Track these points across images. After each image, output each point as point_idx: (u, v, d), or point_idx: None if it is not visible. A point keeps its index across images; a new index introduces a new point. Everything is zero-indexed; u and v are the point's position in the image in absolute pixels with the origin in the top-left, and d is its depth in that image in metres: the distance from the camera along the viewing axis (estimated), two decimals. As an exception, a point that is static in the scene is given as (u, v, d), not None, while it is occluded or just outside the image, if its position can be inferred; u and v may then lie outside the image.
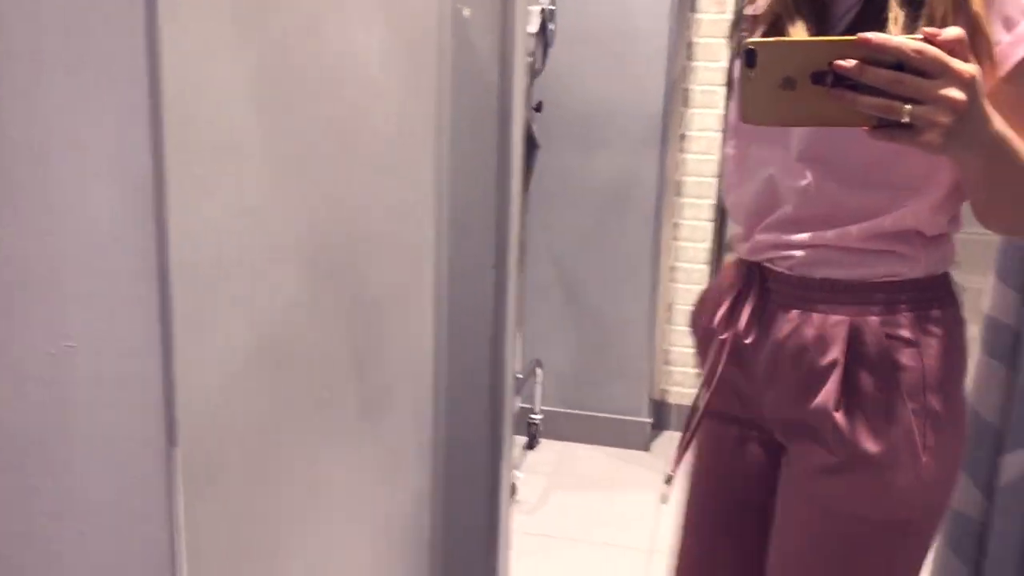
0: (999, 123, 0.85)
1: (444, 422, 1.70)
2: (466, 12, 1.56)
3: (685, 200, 3.05)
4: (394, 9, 1.27)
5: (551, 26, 2.65)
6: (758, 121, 0.88)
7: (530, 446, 3.09)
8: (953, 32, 0.80)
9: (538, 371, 3.08)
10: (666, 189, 2.96)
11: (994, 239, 1.39)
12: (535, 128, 2.72)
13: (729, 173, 1.11)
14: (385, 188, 1.29)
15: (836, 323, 1.00)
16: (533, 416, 3.07)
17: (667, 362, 3.20)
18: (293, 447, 1.06)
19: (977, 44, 0.87)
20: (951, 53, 0.79)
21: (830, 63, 0.81)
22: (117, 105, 0.71)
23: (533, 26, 2.55)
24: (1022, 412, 1.41)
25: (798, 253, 1.02)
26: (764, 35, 1.01)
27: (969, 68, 0.79)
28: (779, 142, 1.02)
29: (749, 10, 1.07)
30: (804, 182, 1.00)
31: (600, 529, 2.58)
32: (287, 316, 1.01)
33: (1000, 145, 0.86)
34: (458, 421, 1.72)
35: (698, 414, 1.14)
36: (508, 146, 1.63)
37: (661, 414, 3.19)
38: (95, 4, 0.69)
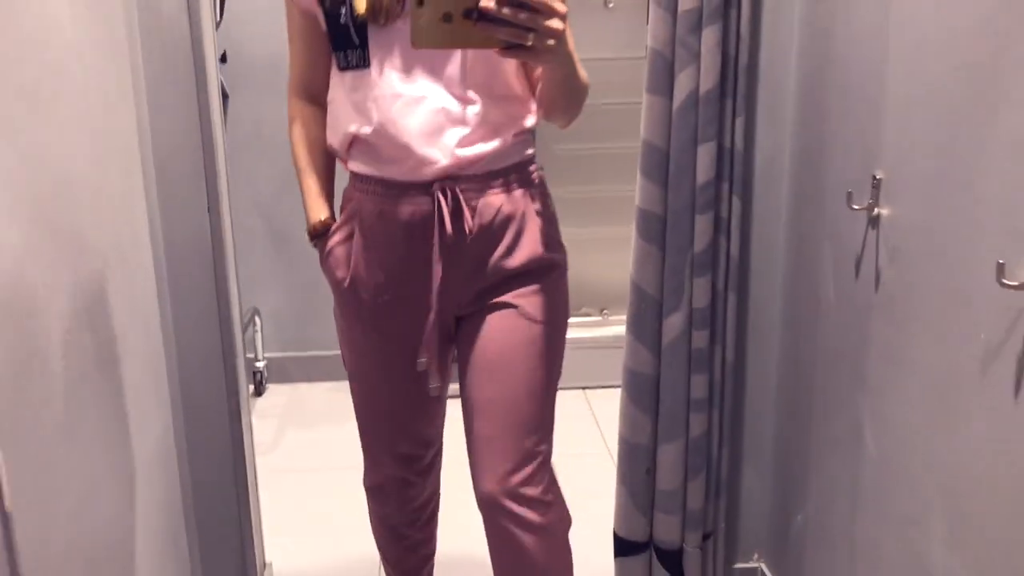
0: (571, 44, 1.27)
1: (177, 369, 1.76)
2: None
3: (378, 139, 3.20)
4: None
5: (227, -24, 2.67)
6: (425, 46, 1.15)
7: (258, 393, 3.17)
8: None
9: (256, 319, 3.14)
10: (359, 130, 3.09)
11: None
12: (222, 79, 2.74)
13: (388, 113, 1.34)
14: (90, 144, 1.33)
15: (521, 198, 1.39)
16: (257, 364, 3.14)
17: (379, 294, 3.38)
18: (44, 391, 1.11)
19: None
20: None
21: (477, 3, 1.11)
22: None
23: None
24: (673, 284, 1.74)
25: (479, 158, 1.35)
26: None
27: (563, 7, 1.15)
28: (441, 77, 1.32)
29: None
30: (474, 109, 1.33)
31: (336, 456, 2.74)
32: (17, 269, 1.05)
33: (571, 57, 1.29)
34: (192, 367, 1.78)
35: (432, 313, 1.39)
36: (207, 95, 1.70)
37: (380, 343, 3.37)
38: None
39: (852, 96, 1.52)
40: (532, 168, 1.43)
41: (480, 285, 1.41)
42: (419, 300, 1.40)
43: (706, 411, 1.80)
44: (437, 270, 1.36)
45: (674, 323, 1.75)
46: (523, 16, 1.13)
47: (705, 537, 1.90)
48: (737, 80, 1.66)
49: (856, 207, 1.47)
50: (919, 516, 1.35)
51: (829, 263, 1.62)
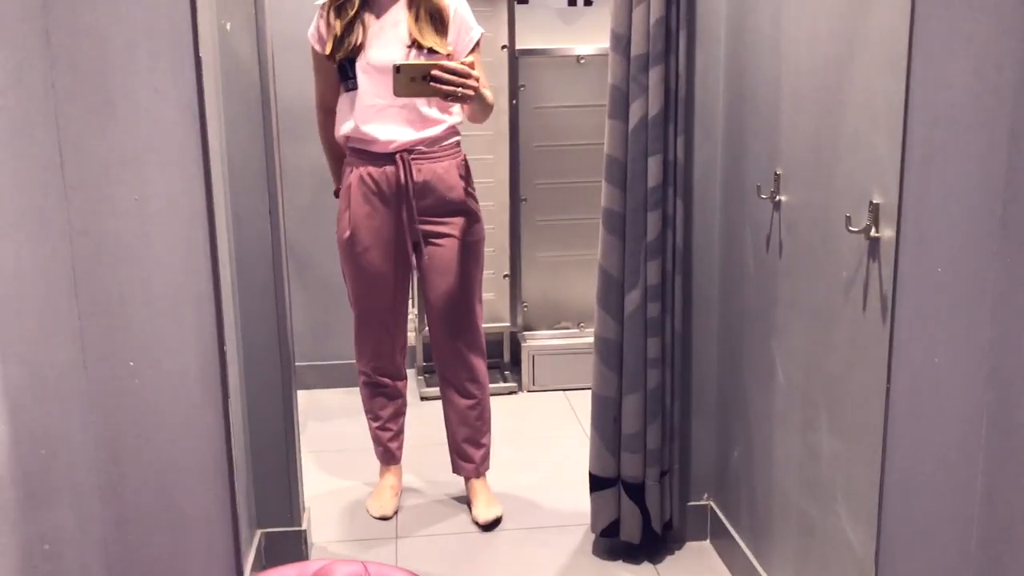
0: (482, 81, 2.29)
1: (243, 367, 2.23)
2: (228, 25, 2.10)
3: (383, 177, 3.71)
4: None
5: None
6: (401, 95, 2.19)
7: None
8: (468, 60, 2.24)
9: (279, 332, 3.60)
10: (367, 169, 3.61)
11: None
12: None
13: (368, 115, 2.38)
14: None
15: (449, 165, 2.42)
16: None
17: (384, 313, 3.85)
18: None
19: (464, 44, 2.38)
20: (470, 67, 2.19)
21: (430, 72, 2.12)
22: None
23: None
24: (631, 266, 2.23)
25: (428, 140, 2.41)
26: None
27: (475, 73, 2.20)
28: (409, 104, 2.35)
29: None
30: (421, 111, 2.38)
31: (349, 440, 3.19)
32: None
33: (482, 97, 2.28)
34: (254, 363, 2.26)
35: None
36: (270, 130, 2.19)
37: (385, 356, 3.83)
38: None
39: (760, 116, 2.04)
40: (457, 149, 2.46)
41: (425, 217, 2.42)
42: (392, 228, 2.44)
43: (660, 368, 2.28)
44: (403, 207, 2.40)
45: (633, 298, 2.24)
46: (455, 80, 2.15)
47: (663, 474, 2.37)
48: (677, 108, 2.18)
49: (763, 196, 1.99)
50: (812, 420, 1.84)
51: (749, 243, 2.13)
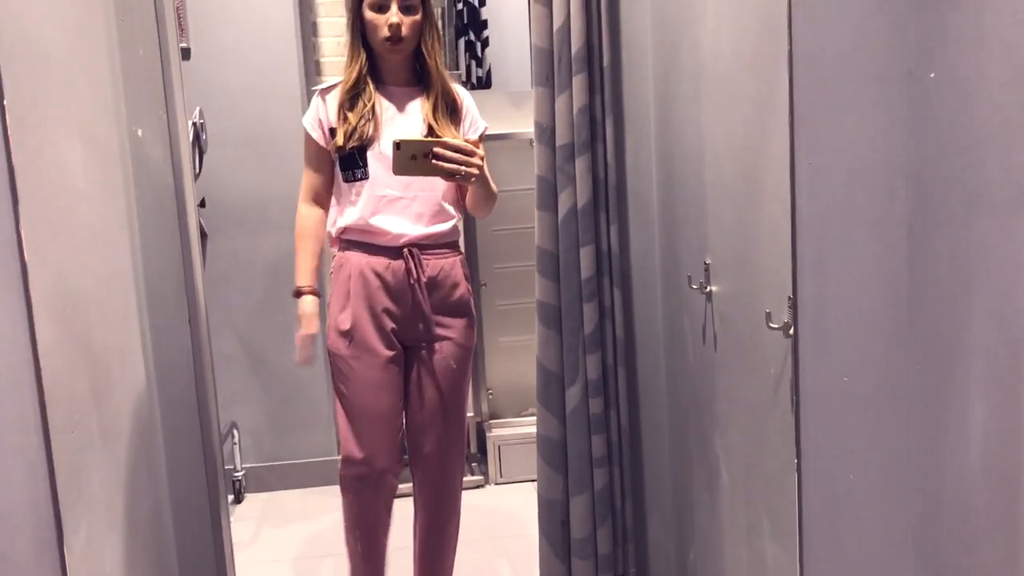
0: (486, 170, 2.02)
1: (166, 464, 2.12)
2: (139, 132, 2.04)
3: (341, 268, 3.64)
4: (88, 132, 1.74)
5: (203, 135, 3.15)
6: (401, 174, 2.01)
7: (237, 500, 3.48)
8: (473, 138, 2.11)
9: (235, 432, 3.48)
10: (324, 261, 3.53)
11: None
12: (202, 221, 3.18)
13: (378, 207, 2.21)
14: (97, 267, 1.74)
15: (454, 261, 2.25)
16: (236, 474, 3.46)
17: (347, 406, 3.74)
18: (62, 456, 1.48)
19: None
20: (475, 145, 2.00)
21: (432, 149, 1.94)
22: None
23: (187, 138, 3.03)
24: (570, 360, 2.13)
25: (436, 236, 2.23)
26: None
27: (479, 152, 2.02)
28: (416, 186, 2.17)
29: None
30: (432, 205, 2.20)
31: (308, 545, 3.04)
32: (47, 360, 1.43)
33: (486, 179, 2.08)
34: (179, 468, 2.14)
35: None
36: (187, 233, 2.12)
37: (349, 451, 3.70)
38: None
39: (688, 203, 1.96)
40: (459, 247, 2.30)
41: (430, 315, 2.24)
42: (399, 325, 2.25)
43: (607, 467, 2.16)
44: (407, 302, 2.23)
45: (574, 393, 2.14)
46: (458, 157, 1.98)
47: (618, 580, 2.23)
48: (607, 196, 2.10)
49: (694, 286, 1.89)
50: (756, 524, 1.71)
51: (688, 334, 2.02)
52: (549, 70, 2.04)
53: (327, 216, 2.31)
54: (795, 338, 1.11)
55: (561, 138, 2.05)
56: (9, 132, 1.16)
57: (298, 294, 2.28)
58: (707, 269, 1.85)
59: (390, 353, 2.23)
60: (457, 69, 3.93)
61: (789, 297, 1.44)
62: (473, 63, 4.11)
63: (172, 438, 2.14)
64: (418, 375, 2.30)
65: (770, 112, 1.49)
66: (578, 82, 2.02)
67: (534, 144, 2.09)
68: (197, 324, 2.15)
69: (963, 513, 1.19)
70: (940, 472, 1.06)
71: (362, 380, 2.25)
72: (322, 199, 2.30)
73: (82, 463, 1.56)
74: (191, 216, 2.15)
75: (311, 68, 3.51)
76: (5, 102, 1.15)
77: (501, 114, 3.49)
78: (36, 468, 1.22)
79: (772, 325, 1.48)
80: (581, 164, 2.05)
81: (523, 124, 3.51)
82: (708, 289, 1.85)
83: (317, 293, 2.28)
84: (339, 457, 3.58)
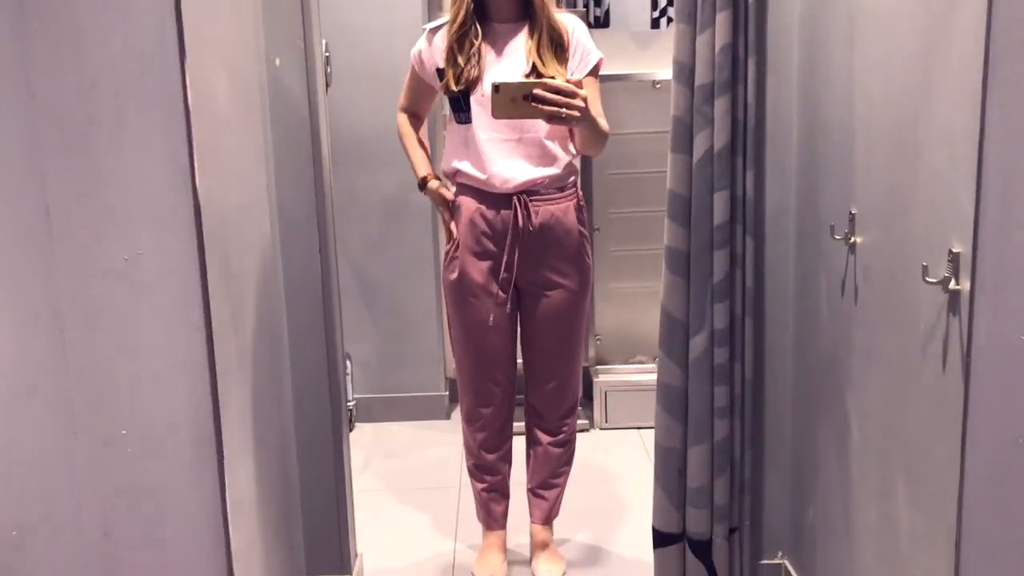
0: (596, 108, 2.12)
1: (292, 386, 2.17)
2: (277, 61, 2.06)
3: (455, 206, 3.64)
4: (230, 61, 1.75)
5: (328, 69, 3.17)
6: (501, 117, 1.98)
7: (348, 429, 3.56)
8: (575, 79, 2.05)
9: (347, 363, 3.56)
10: (438, 198, 3.54)
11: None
12: (324, 154, 3.22)
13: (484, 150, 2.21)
14: (238, 193, 1.76)
15: (567, 207, 2.26)
16: (347, 403, 3.54)
17: (456, 344, 3.77)
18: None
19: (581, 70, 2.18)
20: (578, 86, 1.93)
21: (532, 91, 1.88)
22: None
23: (322, 69, 3.05)
24: (697, 309, 2.08)
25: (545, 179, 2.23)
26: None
27: (582, 92, 1.95)
28: (520, 128, 2.17)
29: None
30: (538, 147, 2.20)
31: (417, 477, 3.10)
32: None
33: (592, 119, 2.06)
34: (301, 393, 2.19)
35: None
36: (320, 161, 2.14)
37: (454, 388, 3.74)
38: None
39: (833, 151, 1.88)
40: (574, 189, 2.30)
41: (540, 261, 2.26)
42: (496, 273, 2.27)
43: (728, 418, 2.12)
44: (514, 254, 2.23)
45: (698, 342, 2.09)
46: (559, 99, 1.93)
47: (732, 531, 2.20)
48: (746, 140, 2.03)
49: (837, 237, 1.82)
50: (890, 487, 1.66)
51: (824, 287, 1.96)
52: (692, 6, 1.97)
53: (425, 127, 2.45)
54: (972, 293, 1.05)
55: (701, 77, 1.98)
56: (186, 57, 1.17)
57: (423, 184, 2.36)
58: (852, 219, 1.77)
59: (500, 296, 2.27)
60: (575, 6, 3.85)
61: (950, 251, 1.37)
62: (592, 1, 4.02)
63: (299, 364, 2.19)
64: (531, 319, 2.35)
65: (940, 54, 1.40)
66: (722, 19, 1.94)
67: (672, 83, 2.03)
68: (327, 254, 2.18)
69: None
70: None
71: (473, 323, 2.32)
72: (417, 119, 2.43)
73: (221, 387, 1.60)
74: (324, 146, 2.17)
75: (433, 5, 3.49)
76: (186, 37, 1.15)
77: (620, 54, 3.41)
78: (198, 388, 1.25)
79: (929, 279, 1.41)
80: (720, 105, 1.98)
81: (643, 65, 3.42)
82: (852, 240, 1.77)
83: (438, 177, 2.37)
84: (445, 393, 3.67)
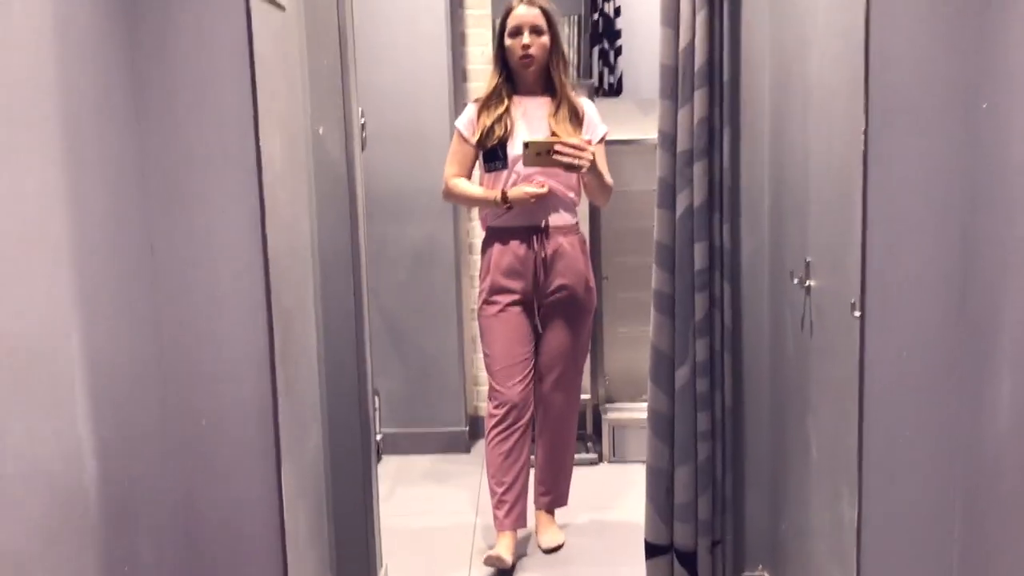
0: (602, 165, 2.76)
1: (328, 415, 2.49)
2: (320, 130, 2.41)
3: (475, 257, 3.98)
4: (285, 128, 2.10)
5: (364, 133, 3.54)
6: (530, 166, 2.69)
7: (376, 460, 3.86)
8: (585, 138, 2.72)
9: (376, 399, 3.87)
10: (461, 249, 3.89)
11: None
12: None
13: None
14: (286, 238, 2.10)
15: (574, 240, 2.87)
16: (375, 435, 3.85)
17: (476, 383, 4.08)
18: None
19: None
20: (587, 144, 2.61)
21: (553, 147, 2.57)
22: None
23: (359, 137, 3.43)
24: (681, 344, 2.38)
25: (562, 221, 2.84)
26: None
27: (591, 149, 2.63)
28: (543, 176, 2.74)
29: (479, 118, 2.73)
30: (554, 194, 2.79)
31: (437, 505, 3.39)
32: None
33: (599, 171, 2.73)
34: (334, 422, 2.51)
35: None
36: (356, 214, 2.47)
37: (474, 424, 4.05)
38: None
39: (794, 207, 2.19)
40: (578, 229, 2.92)
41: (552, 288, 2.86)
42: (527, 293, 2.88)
43: (710, 441, 2.41)
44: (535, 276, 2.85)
45: (683, 374, 2.39)
46: (574, 152, 2.59)
47: (715, 544, 2.47)
48: (723, 197, 2.34)
49: (796, 281, 2.12)
50: (838, 491, 1.94)
51: (789, 323, 2.26)
52: (673, 85, 2.30)
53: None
54: (862, 318, 1.35)
55: (682, 144, 2.31)
56: (259, 128, 1.51)
57: (504, 197, 2.81)
58: (807, 266, 2.08)
59: (520, 310, 2.89)
60: (590, 77, 4.20)
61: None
62: (606, 70, 4.37)
63: (333, 398, 2.51)
64: (545, 327, 2.94)
65: (860, 131, 1.72)
66: (699, 96, 2.27)
67: (658, 149, 2.36)
68: (359, 297, 2.50)
69: (997, 470, 1.41)
70: (979, 437, 1.29)
71: (500, 332, 2.92)
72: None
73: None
74: (360, 201, 2.51)
75: (458, 74, 3.87)
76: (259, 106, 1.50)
77: (630, 120, 3.75)
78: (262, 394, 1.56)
79: (856, 314, 1.71)
80: (698, 168, 2.30)
81: (650, 130, 3.74)
82: (807, 284, 2.08)
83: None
84: (465, 428, 3.97)
